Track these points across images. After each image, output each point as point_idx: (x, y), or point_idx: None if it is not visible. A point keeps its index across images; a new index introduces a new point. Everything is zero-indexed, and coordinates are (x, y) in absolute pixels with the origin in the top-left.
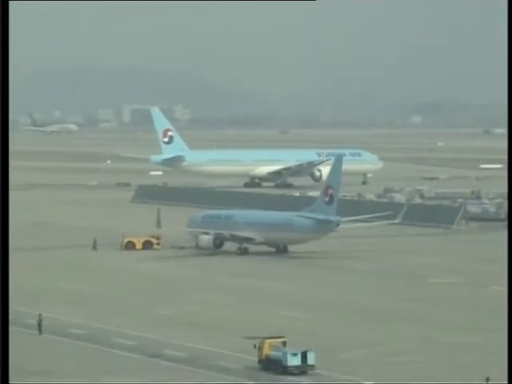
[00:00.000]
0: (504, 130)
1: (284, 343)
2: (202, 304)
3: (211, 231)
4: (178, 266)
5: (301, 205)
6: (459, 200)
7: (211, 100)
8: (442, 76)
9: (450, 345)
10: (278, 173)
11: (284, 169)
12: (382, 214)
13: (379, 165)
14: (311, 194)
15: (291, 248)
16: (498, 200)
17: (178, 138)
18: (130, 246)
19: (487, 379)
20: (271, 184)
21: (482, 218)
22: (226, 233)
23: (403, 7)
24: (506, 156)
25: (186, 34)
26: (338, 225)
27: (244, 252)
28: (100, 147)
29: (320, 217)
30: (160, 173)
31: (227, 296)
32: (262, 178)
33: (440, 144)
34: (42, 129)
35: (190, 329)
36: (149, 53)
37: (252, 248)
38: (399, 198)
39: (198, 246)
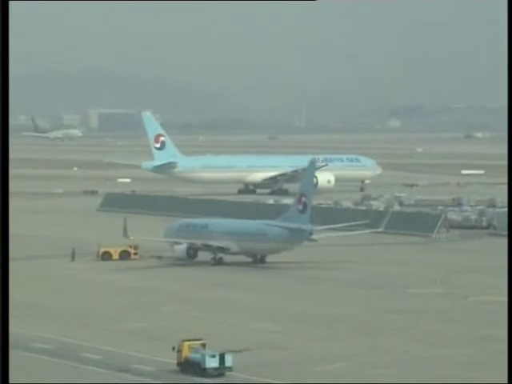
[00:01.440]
0: (483, 135)
1: (203, 345)
2: (173, 317)
3: (185, 241)
4: (152, 277)
5: (275, 213)
6: (439, 207)
7: (183, 103)
8: (422, 77)
9: (431, 358)
10: (273, 179)
11: (279, 175)
12: (359, 222)
13: (378, 171)
14: (286, 201)
15: (269, 258)
16: (479, 207)
17: (170, 144)
18: (107, 256)
19: None
20: (266, 191)
21: (464, 226)
22: (200, 242)
23: (384, 5)
24: (487, 162)
25: (152, 34)
26: (311, 234)
27: (218, 262)
28: (88, 154)
29: (293, 225)
30: (128, 180)
31: (199, 308)
32: (257, 185)
33: (419, 150)
34: (44, 135)
35: (160, 342)
36: (114, 54)
37: (229, 258)
38: (377, 205)
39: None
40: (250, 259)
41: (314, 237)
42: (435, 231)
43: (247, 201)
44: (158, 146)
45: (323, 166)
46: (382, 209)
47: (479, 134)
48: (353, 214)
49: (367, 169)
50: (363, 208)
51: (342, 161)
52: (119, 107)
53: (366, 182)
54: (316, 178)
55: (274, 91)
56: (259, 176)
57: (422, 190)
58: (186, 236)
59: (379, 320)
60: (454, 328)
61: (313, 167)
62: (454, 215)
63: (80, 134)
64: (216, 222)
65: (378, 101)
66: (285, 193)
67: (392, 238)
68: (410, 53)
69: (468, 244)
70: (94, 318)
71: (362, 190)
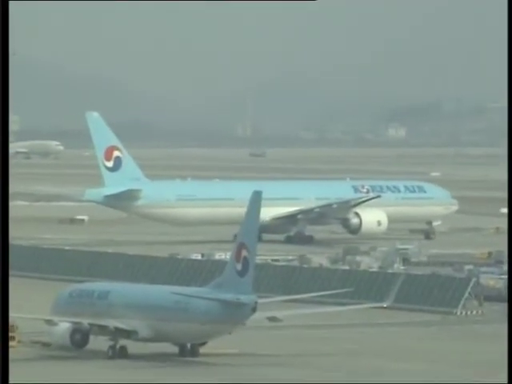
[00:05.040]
0: None
1: None
2: None
3: (65, 319)
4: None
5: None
6: (467, 267)
7: (60, 99)
8: (441, 63)
9: None
10: (290, 218)
11: (300, 212)
12: (339, 290)
13: (453, 206)
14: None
15: (207, 347)
16: None
17: (129, 161)
18: None
19: None
20: (279, 236)
21: (506, 298)
22: (88, 322)
23: None
24: None
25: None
26: (254, 309)
27: (120, 354)
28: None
29: (227, 297)
30: None
31: None
32: (265, 227)
33: (434, 174)
34: None
35: None
36: None
37: (140, 347)
38: (368, 263)
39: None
40: (176, 348)
41: (277, 315)
42: (460, 306)
43: (162, 255)
44: (110, 164)
45: (370, 199)
46: (375, 269)
47: None
48: (330, 276)
49: (437, 203)
50: (345, 268)
51: (399, 190)
52: None
53: (436, 223)
54: (359, 217)
55: (202, 83)
56: (268, 213)
57: (439, 239)
58: (79, 310)
59: None
60: None
61: (258, 201)
62: (490, 280)
63: (61, 148)
64: (121, 289)
65: (372, 99)
66: (308, 240)
67: (392, 316)
68: (422, 34)
69: None
70: None
71: (427, 236)
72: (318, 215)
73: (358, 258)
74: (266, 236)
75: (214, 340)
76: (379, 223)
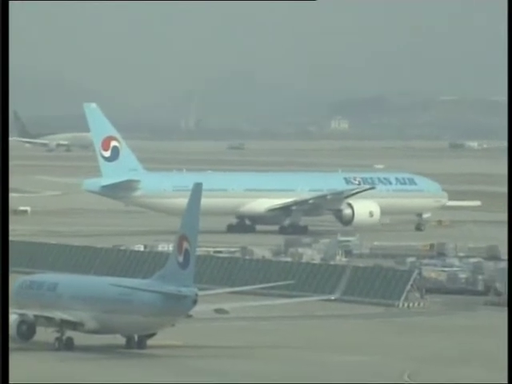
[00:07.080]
0: (480, 144)
1: None
2: None
3: (13, 311)
4: None
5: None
6: (410, 259)
7: None
8: (385, 54)
9: None
10: (284, 209)
11: (295, 203)
12: (280, 282)
13: (443, 198)
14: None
15: (155, 339)
16: (473, 260)
17: (126, 152)
18: None
19: None
20: (273, 227)
21: (448, 290)
22: (33, 313)
23: None
24: (486, 188)
25: None
26: (195, 301)
27: (66, 345)
28: None
29: (168, 289)
30: None
31: None
32: (258, 218)
33: (379, 167)
34: (39, 141)
35: None
36: None
37: (87, 338)
38: (310, 255)
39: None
40: (123, 341)
41: (224, 307)
42: (402, 298)
43: (105, 246)
44: (107, 154)
45: (364, 190)
46: (317, 261)
47: (474, 143)
48: (272, 268)
49: (427, 195)
50: (287, 259)
51: (390, 182)
52: None
53: (425, 215)
54: (351, 207)
55: (153, 83)
56: (263, 204)
57: (382, 231)
58: (28, 301)
59: None
60: None
61: (198, 193)
62: (432, 272)
63: None
64: (68, 281)
65: (314, 91)
66: (303, 231)
67: (333, 308)
68: (369, 16)
69: (454, 318)
70: None
71: (418, 227)
72: (312, 206)
73: (300, 250)
74: (260, 227)
75: (159, 332)
76: (371, 214)
